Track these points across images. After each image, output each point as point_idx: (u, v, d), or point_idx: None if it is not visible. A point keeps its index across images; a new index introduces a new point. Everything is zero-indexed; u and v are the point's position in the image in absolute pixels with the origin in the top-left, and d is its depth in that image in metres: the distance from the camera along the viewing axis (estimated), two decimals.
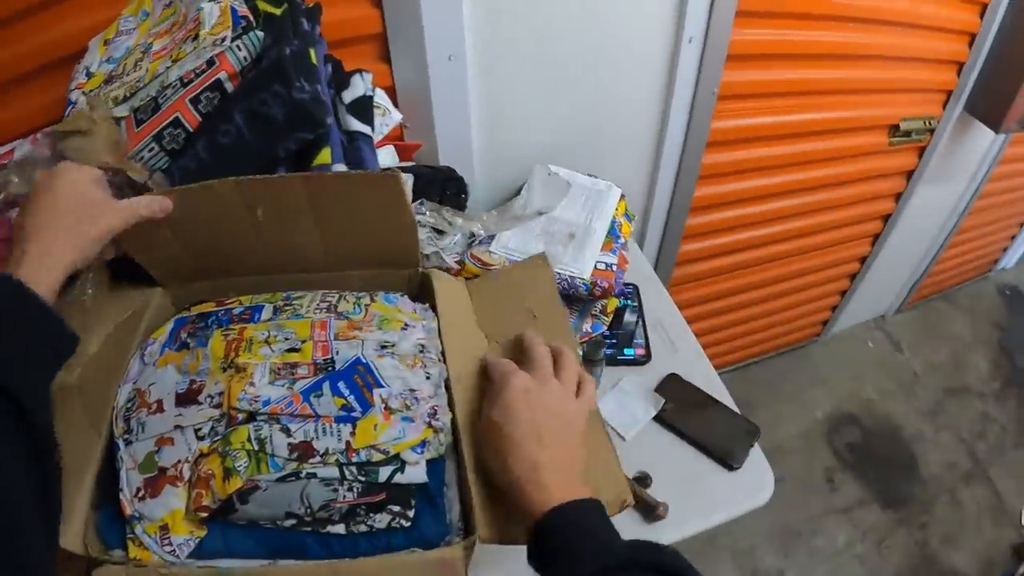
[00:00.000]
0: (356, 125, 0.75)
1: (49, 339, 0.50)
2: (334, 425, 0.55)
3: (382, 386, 0.58)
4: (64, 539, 0.52)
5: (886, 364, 2.56)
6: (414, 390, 0.59)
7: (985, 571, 1.99)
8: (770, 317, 2.17)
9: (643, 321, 1.06)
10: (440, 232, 0.82)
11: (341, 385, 0.57)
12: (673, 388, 0.98)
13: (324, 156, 0.68)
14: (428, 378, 0.62)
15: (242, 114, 0.62)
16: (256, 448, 0.54)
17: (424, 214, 0.75)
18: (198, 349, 0.60)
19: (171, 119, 0.63)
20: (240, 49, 0.62)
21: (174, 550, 0.53)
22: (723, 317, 1.99)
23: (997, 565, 2.00)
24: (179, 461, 0.55)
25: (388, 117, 0.88)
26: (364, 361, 0.59)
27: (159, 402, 0.57)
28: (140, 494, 0.54)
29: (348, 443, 0.55)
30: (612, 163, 1.26)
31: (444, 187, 0.86)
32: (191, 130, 0.64)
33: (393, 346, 0.62)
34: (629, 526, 0.84)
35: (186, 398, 0.57)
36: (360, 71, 0.79)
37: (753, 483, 0.91)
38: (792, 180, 1.62)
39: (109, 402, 0.61)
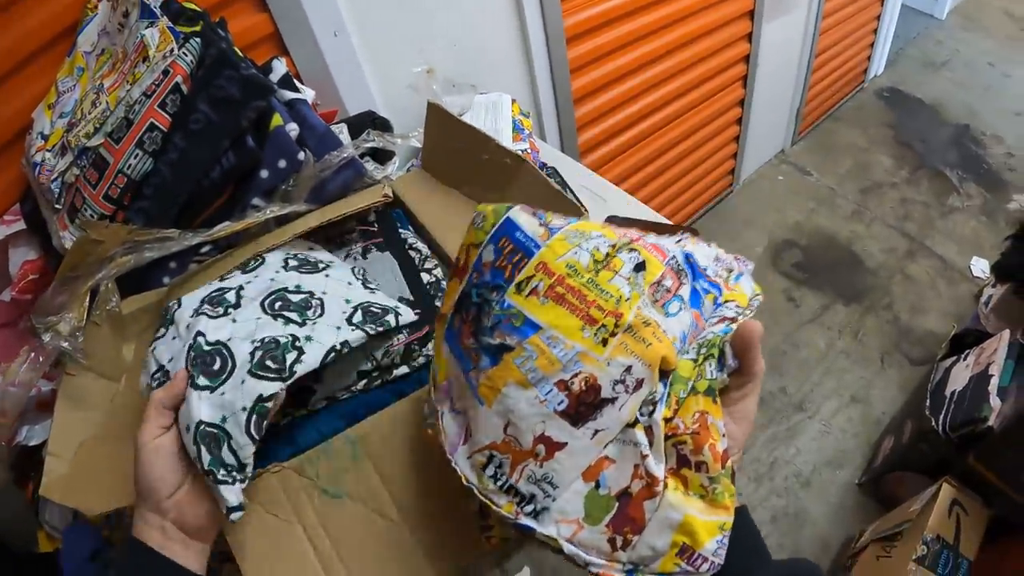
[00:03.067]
0: (290, 95, 0.96)
1: None
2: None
3: None
4: None
5: (801, 189, 2.90)
6: None
7: (957, 323, 2.27)
8: (683, 180, 2.45)
9: (569, 188, 1.29)
10: (382, 162, 1.04)
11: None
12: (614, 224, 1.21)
13: (277, 120, 0.89)
14: None
15: (205, 102, 0.82)
16: None
17: (372, 140, 0.96)
18: None
19: (146, 125, 0.81)
20: (187, 55, 0.82)
21: None
22: (640, 192, 2.26)
23: (965, 315, 2.32)
24: None
25: (304, 95, 1.09)
26: None
27: None
28: None
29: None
30: (495, 80, 1.50)
31: (372, 125, 1.07)
32: (165, 129, 0.83)
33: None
34: None
35: None
36: (275, 57, 1.00)
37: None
38: (650, 49, 1.90)
39: None
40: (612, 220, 1.22)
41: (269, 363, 0.64)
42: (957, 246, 2.64)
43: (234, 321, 0.69)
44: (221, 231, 0.86)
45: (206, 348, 0.66)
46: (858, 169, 2.99)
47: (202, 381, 0.64)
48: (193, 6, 0.90)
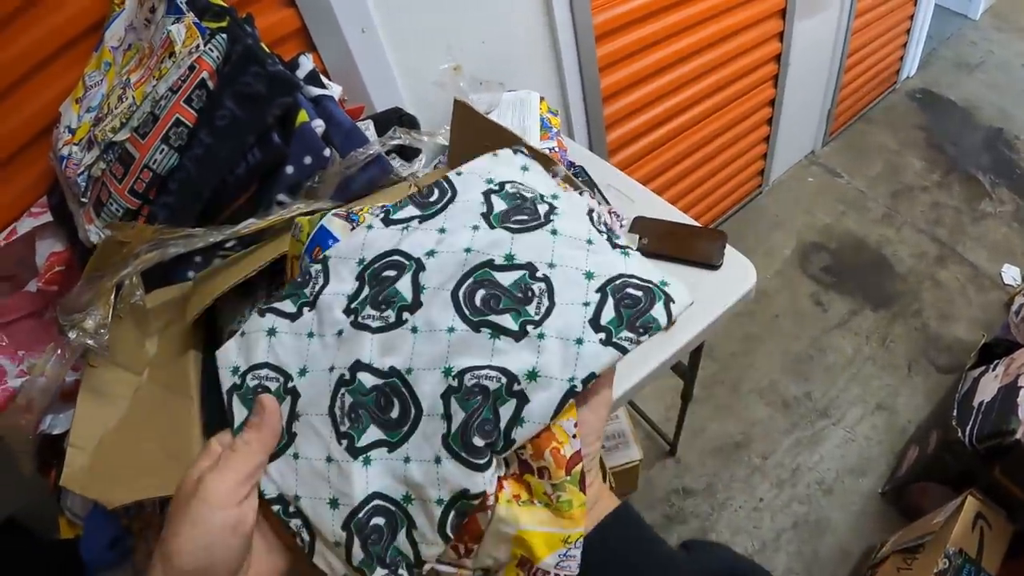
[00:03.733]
0: (316, 91, 0.95)
1: None
2: None
3: None
4: None
5: (830, 191, 2.84)
6: None
7: (987, 331, 2.24)
8: (712, 179, 2.41)
9: (597, 188, 1.27)
10: (408, 159, 1.03)
11: None
12: (642, 226, 1.19)
13: (303, 116, 0.87)
14: None
15: (231, 98, 0.81)
16: None
17: (399, 137, 0.95)
18: None
19: (172, 121, 0.81)
20: (213, 50, 0.81)
21: None
22: (671, 191, 2.23)
23: (995, 323, 2.28)
24: None
25: (331, 91, 1.08)
26: None
27: None
28: None
29: None
30: (523, 76, 1.48)
31: (400, 122, 1.06)
32: (191, 125, 0.82)
33: None
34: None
35: None
36: (302, 53, 0.99)
37: (738, 273, 1.12)
38: (681, 47, 1.86)
39: (188, 374, 0.80)
40: (639, 222, 1.20)
41: (476, 439, 0.42)
42: (988, 252, 2.57)
43: (414, 331, 0.46)
44: (246, 228, 0.85)
45: (372, 385, 0.45)
46: (889, 172, 2.93)
47: (371, 435, 0.45)
48: (220, 2, 0.90)
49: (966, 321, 2.34)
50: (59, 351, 0.84)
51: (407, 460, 0.44)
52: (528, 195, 0.52)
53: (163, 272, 0.88)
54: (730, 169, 2.47)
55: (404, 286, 0.47)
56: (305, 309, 0.49)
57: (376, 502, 0.44)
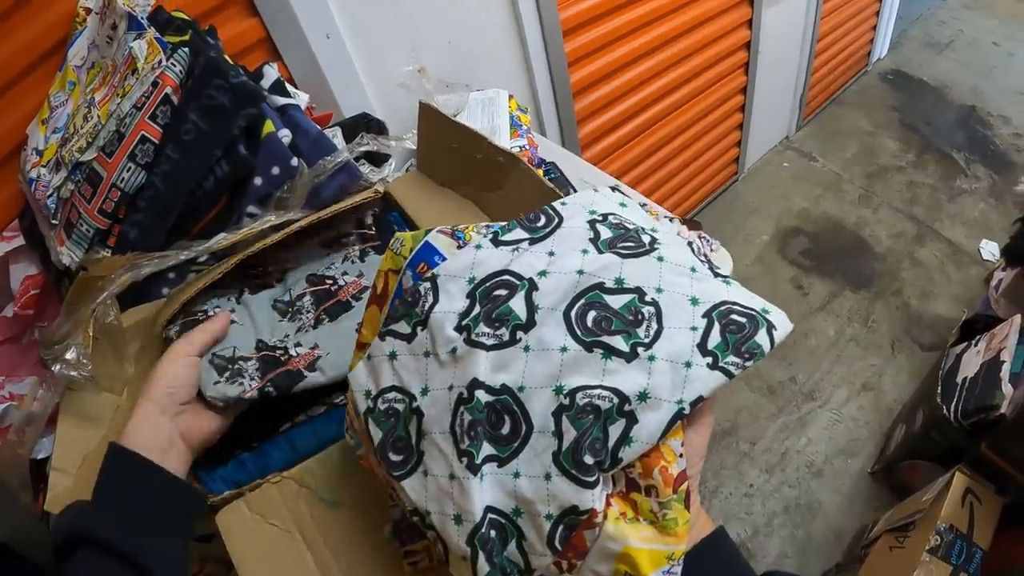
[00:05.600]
0: (282, 100, 0.95)
1: (173, 502, 0.63)
2: None
3: None
4: None
5: (806, 175, 2.87)
6: None
7: (968, 307, 2.27)
8: (686, 170, 2.43)
9: (571, 184, 1.28)
10: (378, 164, 1.03)
11: None
12: None
13: (269, 126, 0.88)
14: None
15: (195, 112, 0.82)
16: None
17: (367, 144, 0.96)
18: None
19: (138, 138, 0.81)
20: (175, 65, 0.81)
21: None
22: (646, 183, 2.24)
23: (975, 299, 2.31)
24: None
25: (298, 99, 1.08)
26: None
27: None
28: None
29: None
30: (492, 75, 1.49)
31: (367, 128, 1.06)
32: (157, 141, 0.82)
33: None
34: None
35: None
36: (266, 62, 0.99)
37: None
38: (649, 39, 1.88)
39: None
40: None
41: (587, 457, 0.44)
42: (966, 229, 2.62)
43: (526, 350, 0.47)
44: (217, 243, 0.85)
45: (487, 401, 0.47)
46: (864, 153, 2.97)
47: (487, 450, 0.46)
48: (182, 15, 0.90)
49: (946, 298, 2.37)
50: (44, 384, 0.85)
51: (517, 475, 0.45)
52: (630, 226, 0.54)
53: (138, 290, 0.88)
54: (705, 158, 2.49)
55: (518, 305, 0.49)
56: (418, 328, 0.51)
57: (490, 515, 0.45)
